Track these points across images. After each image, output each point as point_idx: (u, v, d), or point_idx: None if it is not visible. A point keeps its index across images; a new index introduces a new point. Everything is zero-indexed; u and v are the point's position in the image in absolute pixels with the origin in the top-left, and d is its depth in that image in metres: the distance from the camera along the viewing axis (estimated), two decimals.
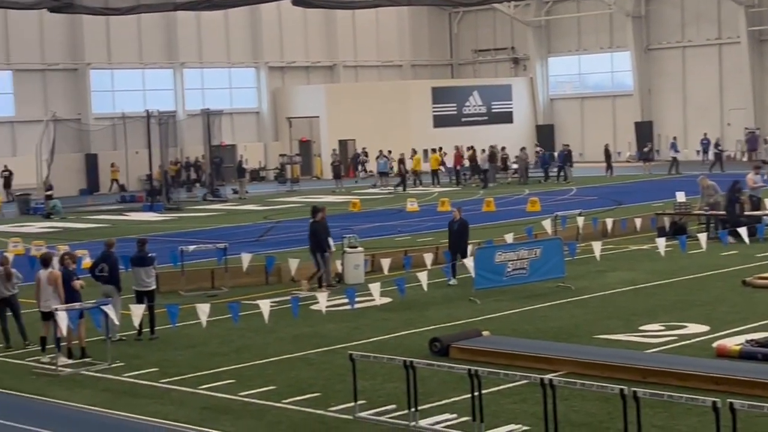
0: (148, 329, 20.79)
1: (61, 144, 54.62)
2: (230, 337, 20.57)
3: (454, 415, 14.57)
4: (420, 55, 78.68)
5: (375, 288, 21.97)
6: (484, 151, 58.17)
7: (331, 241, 25.78)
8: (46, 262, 20.11)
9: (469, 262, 24.27)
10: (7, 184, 57.49)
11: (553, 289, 24.05)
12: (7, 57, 60.50)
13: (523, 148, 60.20)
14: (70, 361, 19.04)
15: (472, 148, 59.56)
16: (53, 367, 18.50)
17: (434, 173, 57.95)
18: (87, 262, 26.88)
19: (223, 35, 68.84)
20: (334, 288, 24.76)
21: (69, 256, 20.81)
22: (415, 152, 60.18)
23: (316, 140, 69.50)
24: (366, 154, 66.08)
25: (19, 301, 20.70)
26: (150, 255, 21.65)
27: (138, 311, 19.88)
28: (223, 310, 21.24)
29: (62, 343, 18.98)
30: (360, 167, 65.75)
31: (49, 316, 19.11)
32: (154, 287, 21.43)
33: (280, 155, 66.33)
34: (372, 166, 63.08)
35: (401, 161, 57.09)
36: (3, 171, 58.36)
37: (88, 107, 63.11)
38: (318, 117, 68.85)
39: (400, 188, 55.64)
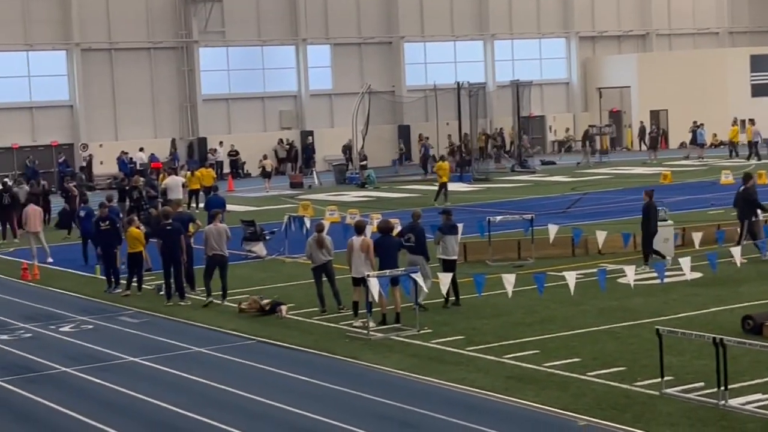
0: (454, 297, 21.15)
1: (375, 115, 56.11)
2: (535, 308, 20.63)
3: (767, 396, 14.05)
4: (739, 22, 75.51)
5: (685, 262, 21.39)
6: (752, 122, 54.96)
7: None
8: (360, 229, 20.77)
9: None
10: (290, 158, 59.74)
11: None
12: (326, 32, 62.80)
13: None
14: (381, 326, 19.68)
15: None
16: (365, 332, 19.18)
17: (750, 145, 55.53)
18: (397, 230, 27.65)
19: (534, 6, 68.61)
20: None
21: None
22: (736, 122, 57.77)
23: (627, 111, 68.26)
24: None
25: (333, 267, 21.53)
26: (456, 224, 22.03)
27: (446, 279, 20.26)
28: (529, 280, 21.30)
29: (374, 309, 19.64)
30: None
31: (360, 282, 19.78)
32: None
33: (590, 126, 65.57)
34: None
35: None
36: (285, 144, 60.58)
37: (401, 79, 64.56)
38: (629, 87, 67.60)
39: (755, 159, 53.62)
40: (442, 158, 46.54)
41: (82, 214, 29.85)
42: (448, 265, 21.24)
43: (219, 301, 22.73)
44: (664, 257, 24.19)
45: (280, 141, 60.52)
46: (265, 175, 50.62)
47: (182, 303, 23.08)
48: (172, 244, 23.06)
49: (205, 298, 22.94)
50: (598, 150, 60.29)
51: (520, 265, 25.26)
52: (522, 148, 57.81)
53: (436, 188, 41.38)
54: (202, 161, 55.42)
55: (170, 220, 23.42)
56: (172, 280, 23.25)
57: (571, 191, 43.01)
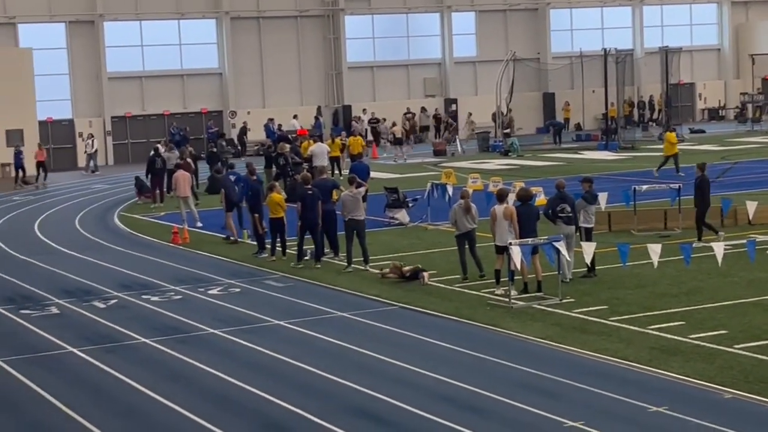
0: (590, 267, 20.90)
1: (519, 83, 55.67)
2: (681, 279, 20.25)
3: None
4: None
5: None
6: None
7: None
8: (501, 197, 20.66)
9: None
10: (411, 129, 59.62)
11: None
12: None
13: None
14: (523, 295, 19.60)
15: None
16: (506, 300, 19.13)
17: None
18: (541, 199, 27.48)
19: None
20: None
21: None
22: None
23: None
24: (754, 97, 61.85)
25: (476, 235, 21.48)
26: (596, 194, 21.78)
27: (589, 249, 20.04)
28: (675, 251, 20.90)
29: (516, 277, 19.56)
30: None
31: (503, 250, 19.69)
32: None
33: (741, 93, 63.84)
34: None
35: None
36: (407, 114, 60.31)
37: (546, 46, 63.92)
38: None
39: None
40: (668, 128, 45.23)
41: (233, 179, 30.45)
42: (589, 234, 21.03)
43: (363, 267, 23.00)
44: (717, 232, 23.52)
45: (422, 110, 60.64)
46: (396, 141, 50.76)
47: (317, 266, 23.55)
48: (311, 208, 23.48)
49: (346, 264, 23.22)
50: (750, 118, 58.69)
51: (667, 235, 24.81)
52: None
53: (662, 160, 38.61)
54: (347, 128, 55.87)
55: (310, 186, 23.80)
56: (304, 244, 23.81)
57: (720, 160, 41.98)
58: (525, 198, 20.61)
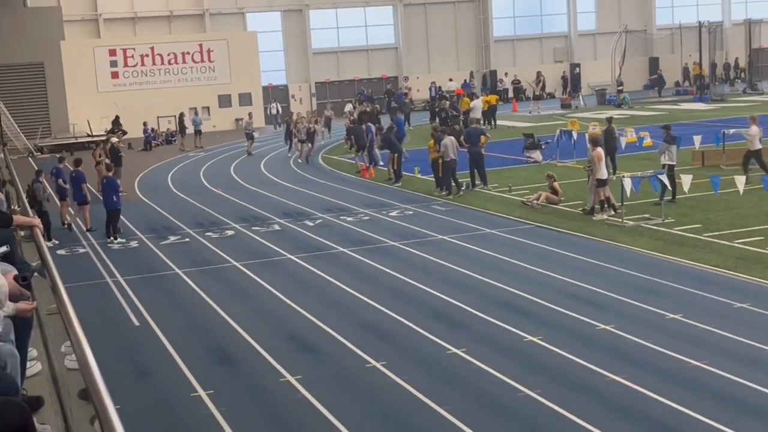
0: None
1: (630, 50, 53.75)
2: (761, 204, 19.39)
3: None
4: None
5: None
6: None
7: None
8: (595, 142, 20.04)
9: None
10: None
11: None
12: None
13: None
14: (633, 216, 19.09)
15: None
16: (620, 220, 18.70)
17: None
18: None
19: None
20: None
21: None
22: None
23: None
24: None
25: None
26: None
27: (686, 180, 19.36)
28: (756, 181, 20.01)
29: (614, 202, 19.10)
30: None
31: (604, 183, 19.19)
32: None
33: None
34: None
35: None
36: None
37: (652, 20, 61.44)
38: None
39: None
40: (751, 85, 43.05)
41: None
42: (671, 170, 20.28)
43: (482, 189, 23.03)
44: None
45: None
46: (536, 98, 50.07)
47: (444, 194, 23.83)
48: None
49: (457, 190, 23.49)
50: None
51: (750, 169, 23.70)
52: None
53: None
54: (493, 88, 55.14)
55: (440, 133, 24.22)
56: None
57: None
58: (596, 142, 19.95)
